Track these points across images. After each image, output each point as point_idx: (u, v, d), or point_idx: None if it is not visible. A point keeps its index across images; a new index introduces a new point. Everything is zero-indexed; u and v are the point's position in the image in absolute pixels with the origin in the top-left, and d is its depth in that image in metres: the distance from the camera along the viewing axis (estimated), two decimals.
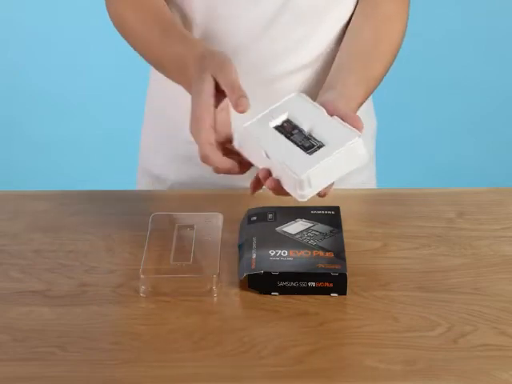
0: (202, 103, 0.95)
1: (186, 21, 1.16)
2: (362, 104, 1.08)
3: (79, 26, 2.71)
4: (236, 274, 0.98)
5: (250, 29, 1.14)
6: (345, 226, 1.03)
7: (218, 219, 1.06)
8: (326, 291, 0.95)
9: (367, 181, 1.31)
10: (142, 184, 1.32)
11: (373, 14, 1.14)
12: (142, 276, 0.95)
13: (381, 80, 1.13)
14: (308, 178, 0.91)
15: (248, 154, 0.96)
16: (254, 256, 0.98)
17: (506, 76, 2.84)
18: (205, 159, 0.96)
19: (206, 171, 1.24)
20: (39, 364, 0.86)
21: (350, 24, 1.15)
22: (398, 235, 1.06)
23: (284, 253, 0.98)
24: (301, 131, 0.96)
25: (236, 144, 0.97)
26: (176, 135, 1.23)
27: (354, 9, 1.18)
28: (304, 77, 1.17)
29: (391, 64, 1.14)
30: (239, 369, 0.86)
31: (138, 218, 1.09)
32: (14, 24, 2.88)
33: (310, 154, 0.93)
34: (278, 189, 0.94)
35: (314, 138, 0.95)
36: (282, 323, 0.92)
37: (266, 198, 1.14)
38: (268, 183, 0.94)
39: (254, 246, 0.99)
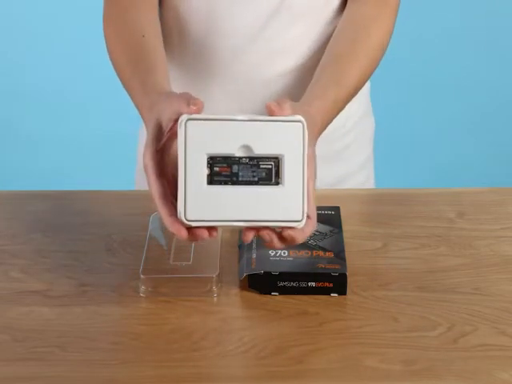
0: (145, 155, 0.86)
1: (183, 21, 1.16)
2: (329, 118, 1.03)
3: (79, 25, 2.71)
4: (236, 274, 0.98)
5: (247, 28, 1.14)
6: (345, 226, 1.03)
7: None
8: (325, 291, 0.95)
9: (365, 181, 1.31)
10: (140, 185, 1.32)
11: (353, 17, 1.12)
12: (142, 276, 0.96)
13: (359, 85, 1.09)
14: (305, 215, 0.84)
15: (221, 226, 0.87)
16: (254, 256, 0.98)
17: (506, 76, 2.83)
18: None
19: None
20: (39, 364, 0.86)
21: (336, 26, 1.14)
22: (398, 235, 1.06)
23: (284, 253, 0.98)
24: (239, 160, 0.84)
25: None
26: None
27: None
28: (300, 76, 1.17)
29: (373, 66, 1.11)
30: (239, 369, 0.86)
31: (138, 218, 1.09)
32: (13, 24, 2.87)
33: (277, 183, 0.84)
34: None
35: (263, 158, 0.84)
36: (282, 323, 0.92)
37: None
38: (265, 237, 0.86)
39: (254, 246, 0.99)
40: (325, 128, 1.02)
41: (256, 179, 0.84)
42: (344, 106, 1.07)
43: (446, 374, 0.85)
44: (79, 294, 0.96)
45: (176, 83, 1.21)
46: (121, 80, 1.06)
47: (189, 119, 0.83)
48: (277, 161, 0.84)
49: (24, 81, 2.87)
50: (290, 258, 0.97)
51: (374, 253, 1.03)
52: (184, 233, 0.83)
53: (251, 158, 0.83)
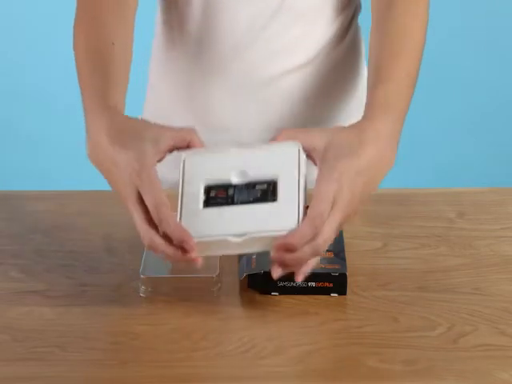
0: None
1: (184, 20, 1.16)
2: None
3: None
4: (236, 274, 0.98)
5: (248, 28, 1.14)
6: (345, 226, 1.03)
7: None
8: (326, 291, 0.95)
9: None
10: None
11: (383, 29, 1.02)
12: (142, 276, 0.95)
13: (419, 59, 1.00)
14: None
15: (213, 251, 0.86)
16: (254, 256, 0.98)
17: (506, 76, 2.83)
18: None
19: None
20: (39, 364, 0.86)
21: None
22: (398, 235, 1.06)
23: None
24: (236, 186, 0.86)
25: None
26: None
27: (353, 10, 1.19)
28: (300, 77, 1.17)
29: (423, 43, 1.03)
30: (239, 369, 0.86)
31: None
32: (13, 24, 2.87)
33: (274, 200, 0.85)
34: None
35: (258, 182, 0.85)
36: (282, 323, 0.92)
37: None
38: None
39: None
40: (403, 110, 0.95)
41: (251, 199, 0.85)
42: (409, 82, 0.98)
43: (446, 374, 0.85)
44: (79, 294, 0.96)
45: (177, 82, 1.21)
46: (78, 72, 1.05)
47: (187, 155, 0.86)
48: (272, 182, 0.85)
49: (24, 81, 2.86)
50: None
51: (374, 253, 1.03)
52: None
53: (247, 183, 0.85)
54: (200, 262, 0.84)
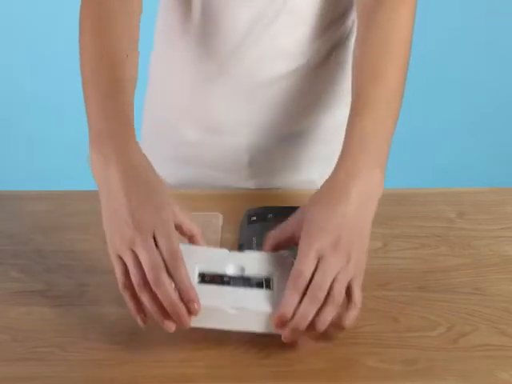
0: None
1: (186, 21, 1.16)
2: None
3: (77, 25, 2.71)
4: None
5: (249, 30, 1.14)
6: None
7: (218, 219, 1.06)
8: None
9: None
10: None
11: (367, 38, 1.01)
12: None
13: (401, 80, 1.02)
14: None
15: (207, 321, 0.85)
16: None
17: (507, 76, 2.83)
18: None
19: (204, 173, 1.24)
20: (39, 364, 0.86)
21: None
22: (398, 235, 1.06)
23: (284, 253, 0.98)
24: (231, 276, 0.88)
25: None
26: (174, 137, 1.23)
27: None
28: (301, 78, 1.17)
29: (406, 63, 1.04)
30: (239, 369, 0.86)
31: None
32: (12, 24, 2.87)
33: (269, 289, 0.87)
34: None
35: (253, 277, 0.88)
36: None
37: (266, 198, 1.14)
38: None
39: (254, 246, 0.99)
40: (383, 140, 0.94)
41: (247, 285, 0.87)
42: (397, 102, 1.00)
43: (446, 373, 0.85)
44: (79, 294, 0.96)
45: (177, 83, 1.21)
46: (83, 77, 1.00)
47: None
48: (268, 279, 0.87)
49: (24, 81, 2.86)
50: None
51: (373, 253, 1.03)
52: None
53: (242, 276, 0.88)
54: (187, 324, 0.83)
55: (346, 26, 1.18)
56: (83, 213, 1.12)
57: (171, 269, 0.82)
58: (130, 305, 0.85)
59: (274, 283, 0.87)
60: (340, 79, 1.20)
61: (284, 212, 1.05)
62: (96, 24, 1.02)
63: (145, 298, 0.83)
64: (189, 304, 0.82)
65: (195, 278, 0.87)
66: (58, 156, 2.82)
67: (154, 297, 0.82)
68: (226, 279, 0.87)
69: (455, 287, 0.97)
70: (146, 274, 0.82)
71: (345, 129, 1.25)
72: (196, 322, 0.84)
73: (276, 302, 0.84)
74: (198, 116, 1.21)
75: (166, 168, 1.26)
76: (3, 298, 0.96)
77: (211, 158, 1.23)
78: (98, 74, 0.97)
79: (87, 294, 0.96)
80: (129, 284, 0.84)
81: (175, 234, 0.85)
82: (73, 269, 1.01)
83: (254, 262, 0.89)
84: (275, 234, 0.90)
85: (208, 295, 0.85)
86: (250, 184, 1.23)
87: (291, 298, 0.83)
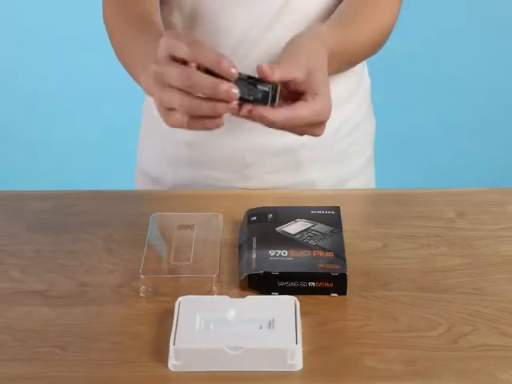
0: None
1: (186, 21, 1.16)
2: (341, 50, 1.03)
3: (78, 25, 2.71)
4: (236, 273, 0.98)
5: (249, 31, 1.14)
6: (345, 226, 1.03)
7: (218, 219, 1.06)
8: (326, 291, 0.95)
9: (366, 182, 1.31)
10: (140, 185, 1.32)
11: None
12: (142, 276, 0.95)
13: (366, 43, 1.10)
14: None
15: (207, 364, 0.85)
16: (254, 256, 0.98)
17: (507, 76, 2.83)
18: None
19: (204, 174, 1.24)
20: (39, 364, 0.86)
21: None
22: (398, 235, 1.06)
23: (284, 253, 0.98)
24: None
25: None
26: (173, 138, 1.23)
27: None
28: None
29: (377, 43, 1.12)
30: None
31: (138, 218, 1.09)
32: (12, 24, 2.87)
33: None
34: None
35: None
36: None
37: (266, 198, 1.14)
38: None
39: (254, 246, 0.99)
40: (337, 58, 1.01)
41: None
42: (353, 56, 1.08)
43: (446, 373, 0.85)
44: (79, 294, 0.96)
45: None
46: (122, 48, 1.07)
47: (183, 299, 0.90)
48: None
49: (24, 81, 2.87)
50: (290, 258, 0.97)
51: (373, 253, 1.03)
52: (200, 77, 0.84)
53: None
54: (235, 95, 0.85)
55: None
56: (83, 213, 1.12)
57: (194, 53, 0.84)
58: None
59: (276, 323, 0.87)
60: (339, 80, 1.20)
61: (284, 212, 1.05)
62: (121, 19, 1.09)
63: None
64: (228, 68, 0.84)
65: (196, 324, 0.87)
66: (59, 156, 2.82)
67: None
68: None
69: (455, 287, 0.97)
70: (180, 82, 0.84)
71: (346, 132, 1.26)
72: (199, 365, 0.84)
73: (278, 339, 0.85)
74: None
75: (166, 168, 1.26)
76: (3, 298, 0.96)
77: (211, 158, 1.22)
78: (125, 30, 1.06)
79: (87, 293, 0.96)
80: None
81: (181, 36, 0.86)
82: (73, 269, 1.01)
83: (254, 307, 0.90)
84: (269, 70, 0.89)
85: (208, 338, 0.86)
86: (250, 184, 1.23)
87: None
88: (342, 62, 1.06)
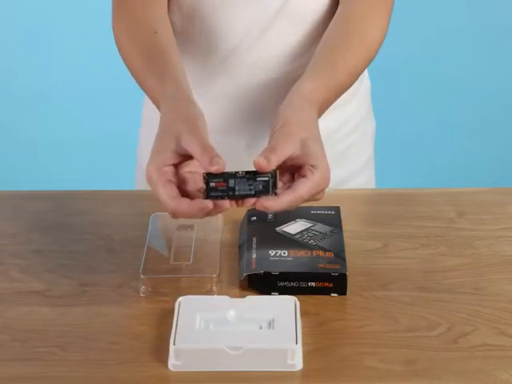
0: (154, 163, 0.90)
1: (186, 22, 1.16)
2: (328, 96, 1.03)
3: (78, 26, 2.71)
4: (236, 273, 0.98)
5: (247, 31, 1.14)
6: (345, 226, 1.03)
7: (218, 219, 1.06)
8: (326, 291, 0.95)
9: (366, 182, 1.31)
10: (140, 184, 1.31)
11: (349, 12, 1.11)
12: (142, 276, 0.95)
13: (354, 73, 1.09)
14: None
15: (207, 364, 0.85)
16: (254, 256, 0.98)
17: (507, 76, 2.83)
18: (175, 214, 0.89)
19: None
20: (39, 364, 0.86)
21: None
22: (398, 235, 1.06)
23: (284, 253, 0.98)
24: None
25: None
26: None
27: None
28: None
29: (368, 59, 1.11)
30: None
31: (138, 218, 1.09)
32: (12, 25, 2.87)
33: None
34: None
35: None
36: None
37: None
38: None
39: (254, 245, 0.99)
40: (326, 104, 1.02)
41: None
42: (341, 91, 1.07)
43: (446, 373, 0.85)
44: (79, 294, 0.96)
45: None
46: (135, 77, 1.07)
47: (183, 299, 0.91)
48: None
49: (24, 81, 2.87)
50: (290, 258, 0.97)
51: (374, 253, 1.03)
52: (210, 204, 0.86)
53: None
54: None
55: None
56: (83, 213, 1.12)
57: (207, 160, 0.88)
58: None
59: (276, 323, 0.87)
60: None
61: (284, 212, 1.05)
62: (125, 9, 1.10)
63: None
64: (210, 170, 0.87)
65: (196, 324, 0.88)
66: (59, 156, 2.82)
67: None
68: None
69: (455, 287, 0.97)
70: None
71: (346, 132, 1.26)
72: (199, 365, 0.84)
73: (278, 339, 0.85)
74: None
75: None
76: (3, 298, 0.96)
77: None
78: (134, 56, 1.06)
79: (87, 293, 0.96)
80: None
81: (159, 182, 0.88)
82: (73, 269, 1.01)
83: (254, 308, 0.90)
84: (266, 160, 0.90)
85: (208, 338, 0.86)
86: None
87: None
88: (332, 101, 1.05)
